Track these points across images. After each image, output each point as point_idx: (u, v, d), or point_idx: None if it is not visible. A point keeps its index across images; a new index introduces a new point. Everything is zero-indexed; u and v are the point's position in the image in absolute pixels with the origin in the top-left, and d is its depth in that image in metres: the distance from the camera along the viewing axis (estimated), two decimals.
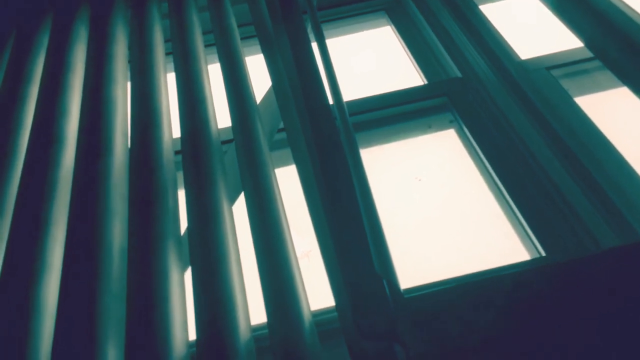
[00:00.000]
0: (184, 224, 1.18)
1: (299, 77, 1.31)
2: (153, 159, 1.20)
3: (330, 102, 1.29)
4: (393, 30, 1.90)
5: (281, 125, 1.43)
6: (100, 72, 1.39)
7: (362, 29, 1.94)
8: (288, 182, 1.38)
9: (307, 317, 0.93)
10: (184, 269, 1.09)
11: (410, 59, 1.76)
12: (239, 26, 1.81)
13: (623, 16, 1.30)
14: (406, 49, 1.79)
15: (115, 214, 1.10)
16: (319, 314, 1.12)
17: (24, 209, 1.10)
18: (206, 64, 1.45)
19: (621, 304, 0.90)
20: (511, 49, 1.55)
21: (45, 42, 1.56)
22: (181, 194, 1.24)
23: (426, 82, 1.65)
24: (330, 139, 1.18)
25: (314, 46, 1.44)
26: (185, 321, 0.99)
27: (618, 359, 0.86)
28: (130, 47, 1.52)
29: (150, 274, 1.00)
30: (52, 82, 1.37)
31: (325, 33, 1.90)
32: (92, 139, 1.23)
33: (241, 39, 1.64)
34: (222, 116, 1.45)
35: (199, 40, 1.50)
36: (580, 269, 0.94)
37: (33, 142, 1.25)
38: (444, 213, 1.30)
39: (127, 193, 1.17)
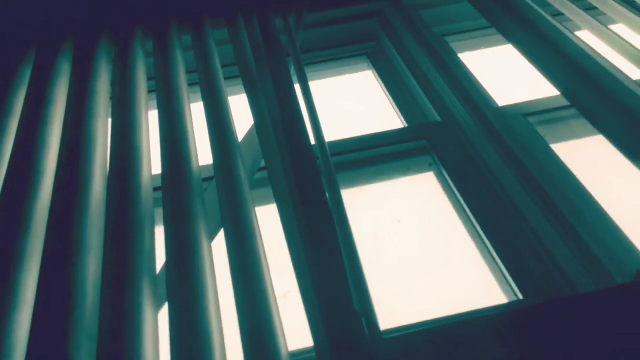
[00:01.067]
0: (162, 260, 1.16)
1: (282, 117, 1.33)
2: (131, 195, 1.19)
3: (312, 142, 1.30)
4: (374, 74, 1.93)
5: (263, 164, 1.44)
6: (81, 106, 1.39)
7: (344, 73, 1.97)
8: (268, 220, 1.37)
9: (284, 356, 0.92)
10: (159, 307, 1.07)
11: (391, 103, 1.80)
12: (223, 66, 1.83)
13: (598, 66, 1.34)
14: (387, 92, 1.83)
15: (90, 249, 1.08)
16: (296, 355, 1.11)
17: None
18: (189, 102, 1.46)
19: (598, 345, 0.90)
20: (489, 95, 1.59)
21: (27, 76, 1.56)
22: (160, 231, 1.23)
23: (406, 125, 1.68)
24: (311, 178, 1.18)
25: (297, 88, 1.46)
26: None
27: None
28: (113, 84, 1.53)
29: (123, 312, 0.98)
30: (32, 115, 1.36)
31: (308, 75, 1.93)
32: (71, 173, 1.22)
33: (225, 78, 1.66)
34: (203, 153, 1.45)
35: (182, 79, 1.51)
36: (557, 311, 0.95)
37: (11, 174, 1.23)
38: (422, 254, 1.30)
39: (104, 228, 1.15)
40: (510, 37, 1.66)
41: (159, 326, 1.01)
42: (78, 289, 1.00)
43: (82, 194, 1.17)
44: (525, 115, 1.55)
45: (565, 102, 1.54)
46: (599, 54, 1.41)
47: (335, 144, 1.56)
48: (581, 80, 1.36)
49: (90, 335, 0.96)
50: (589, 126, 1.39)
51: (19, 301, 1.00)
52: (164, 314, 1.09)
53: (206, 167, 1.49)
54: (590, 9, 1.81)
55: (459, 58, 1.74)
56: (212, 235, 1.25)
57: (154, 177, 1.33)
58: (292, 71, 1.60)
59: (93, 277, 1.05)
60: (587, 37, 1.76)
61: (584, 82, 1.35)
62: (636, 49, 1.52)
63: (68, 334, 0.94)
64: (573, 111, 1.55)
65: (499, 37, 1.90)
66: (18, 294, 1.00)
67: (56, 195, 1.19)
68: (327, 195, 1.18)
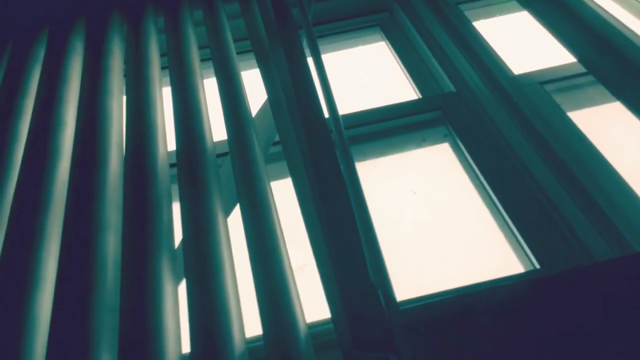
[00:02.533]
0: (179, 237, 1.17)
1: (295, 90, 1.32)
2: (148, 172, 1.20)
3: (326, 115, 1.30)
4: (387, 45, 1.91)
5: (277, 138, 1.44)
6: (96, 85, 1.40)
7: (357, 44, 1.95)
8: (284, 195, 1.38)
9: (302, 328, 0.93)
10: (178, 282, 1.09)
11: (405, 74, 1.78)
12: (235, 41, 1.83)
13: (615, 32, 1.31)
14: (401, 64, 1.81)
15: (109, 227, 1.10)
16: (314, 326, 1.12)
17: (18, 222, 1.10)
18: (202, 78, 1.45)
19: (615, 315, 0.90)
20: (504, 64, 1.57)
21: (41, 55, 1.56)
22: (176, 207, 1.24)
23: (420, 96, 1.67)
24: (326, 152, 1.18)
25: (310, 61, 1.45)
26: (179, 334, 0.98)
27: None
28: (126, 61, 1.53)
29: (144, 286, 1.00)
30: (47, 95, 1.37)
31: (321, 48, 1.91)
32: (87, 152, 1.23)
33: (237, 53, 1.65)
34: (217, 129, 1.46)
35: (195, 55, 1.50)
36: (574, 281, 0.95)
37: (28, 154, 1.24)
38: (438, 226, 1.30)
39: (122, 205, 1.17)
40: (526, 3, 1.63)
41: (178, 299, 1.03)
42: (98, 265, 1.02)
43: (99, 171, 1.18)
44: (542, 83, 1.53)
45: (582, 69, 1.51)
46: (616, 19, 1.38)
47: (349, 117, 1.55)
48: (598, 47, 1.33)
49: (112, 309, 0.98)
50: (606, 93, 1.37)
51: (40, 278, 1.02)
52: (182, 288, 1.10)
53: (220, 142, 1.50)
54: None
55: (473, 26, 1.71)
56: (228, 211, 1.26)
57: (169, 154, 1.34)
58: (305, 44, 1.59)
59: (113, 254, 1.06)
60: (604, 1, 1.72)
61: (601, 48, 1.32)
62: None
63: (90, 308, 0.95)
64: (590, 78, 1.53)
65: (514, 3, 1.87)
66: (39, 271, 1.02)
67: (74, 173, 1.20)
68: (342, 168, 1.18)
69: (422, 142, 1.52)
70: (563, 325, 0.90)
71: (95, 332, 0.93)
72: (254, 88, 1.67)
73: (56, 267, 1.06)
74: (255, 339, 1.12)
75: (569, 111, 1.43)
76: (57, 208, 1.15)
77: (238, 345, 0.92)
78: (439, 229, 1.30)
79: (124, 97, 1.44)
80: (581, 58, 1.38)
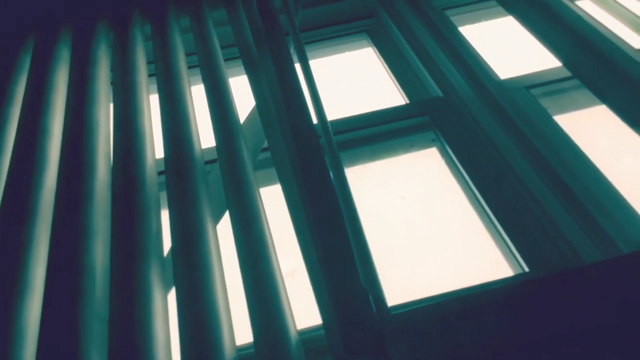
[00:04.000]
0: (168, 244, 1.17)
1: (283, 97, 1.32)
2: (136, 179, 1.19)
3: (314, 121, 1.30)
4: (374, 50, 1.92)
5: (265, 144, 1.44)
6: (82, 92, 1.39)
7: (344, 50, 1.96)
8: (273, 201, 1.38)
9: (293, 335, 0.93)
10: (167, 289, 1.08)
11: (392, 79, 1.79)
12: (222, 48, 1.83)
13: (600, 36, 1.33)
14: (388, 69, 1.81)
15: (97, 235, 1.09)
16: (305, 332, 1.12)
17: (6, 230, 1.09)
18: (189, 85, 1.45)
19: (604, 316, 0.91)
20: (491, 69, 1.58)
21: (27, 62, 1.55)
22: (165, 214, 1.24)
23: (408, 101, 1.67)
24: (314, 157, 1.18)
25: (297, 67, 1.46)
26: (168, 342, 0.98)
27: None
28: (113, 69, 1.52)
29: (133, 295, 0.99)
30: (34, 103, 1.36)
31: (308, 54, 1.92)
32: (75, 160, 1.22)
33: (225, 60, 1.65)
34: (206, 136, 1.45)
35: (182, 62, 1.50)
36: (563, 283, 0.95)
37: (15, 162, 1.23)
38: (427, 230, 1.31)
39: (110, 213, 1.16)
40: (511, 8, 1.65)
41: (168, 308, 1.02)
42: (87, 274, 1.01)
43: (87, 179, 1.17)
44: (528, 88, 1.54)
45: (567, 73, 1.53)
46: (600, 23, 1.39)
47: (338, 123, 1.55)
48: (582, 50, 1.35)
49: (101, 318, 0.97)
50: (592, 96, 1.39)
51: (28, 287, 1.01)
52: (172, 296, 1.10)
53: (209, 149, 1.49)
54: None
55: (459, 32, 1.73)
56: (217, 218, 1.26)
57: (157, 161, 1.33)
58: (292, 50, 1.59)
59: (101, 262, 1.05)
60: (588, 6, 1.74)
61: (586, 52, 1.34)
62: (637, 16, 1.50)
63: (78, 318, 0.95)
64: (575, 82, 1.54)
65: (500, 9, 1.89)
66: (27, 280, 1.01)
67: (61, 181, 1.19)
68: (331, 173, 1.18)
69: (410, 147, 1.53)
70: (553, 326, 0.90)
71: (84, 341, 0.92)
72: (242, 95, 1.67)
73: (44, 276, 1.05)
74: (246, 347, 1.12)
75: (555, 115, 1.45)
76: (45, 217, 1.14)
77: (229, 353, 0.92)
78: (428, 233, 1.30)
79: (111, 105, 1.43)
80: (566, 62, 1.40)
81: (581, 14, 1.43)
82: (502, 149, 1.40)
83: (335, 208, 1.08)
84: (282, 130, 1.27)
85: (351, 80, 1.82)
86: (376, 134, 1.56)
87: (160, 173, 1.42)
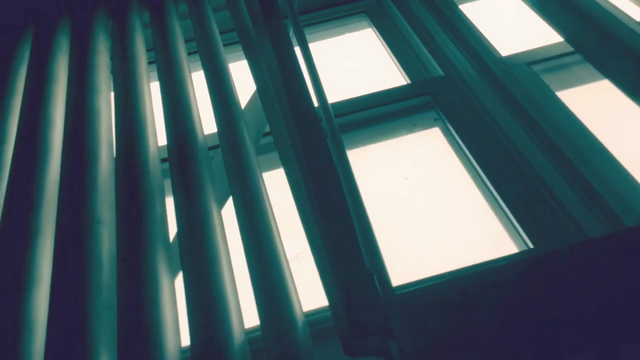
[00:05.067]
0: (173, 231, 1.17)
1: (283, 80, 1.32)
2: (139, 167, 1.19)
3: (315, 104, 1.30)
4: (374, 32, 1.91)
5: (267, 129, 1.43)
6: (83, 82, 1.39)
7: (343, 32, 1.95)
8: (276, 185, 1.38)
9: (299, 317, 0.94)
10: (174, 275, 1.09)
11: (393, 60, 1.78)
12: (221, 33, 1.82)
13: (601, 10, 1.32)
14: (388, 50, 1.80)
15: (103, 224, 1.10)
16: (311, 314, 1.13)
17: (11, 220, 1.10)
18: (190, 72, 1.45)
19: (610, 291, 0.91)
20: (492, 46, 1.57)
21: (26, 54, 1.55)
22: (169, 201, 1.24)
23: (409, 81, 1.67)
24: (316, 140, 1.18)
25: (297, 50, 1.45)
26: (177, 327, 0.99)
27: (608, 348, 0.87)
28: (113, 57, 1.52)
29: (141, 281, 1.00)
30: (35, 94, 1.36)
31: (308, 37, 1.91)
32: (78, 149, 1.22)
33: (224, 45, 1.64)
34: (207, 122, 1.45)
35: (181, 48, 1.50)
36: (568, 258, 0.95)
37: (18, 153, 1.24)
38: (432, 210, 1.31)
39: (115, 202, 1.17)
40: None
41: (175, 294, 1.03)
42: (93, 263, 1.02)
43: (91, 169, 1.18)
44: (529, 64, 1.53)
45: (569, 48, 1.52)
46: None
47: (339, 105, 1.55)
48: (584, 25, 1.33)
49: (109, 306, 0.98)
50: (594, 71, 1.38)
51: (35, 277, 1.01)
52: (179, 281, 1.10)
53: (211, 135, 1.49)
54: None
55: (459, 9, 1.71)
56: (221, 203, 1.26)
57: (160, 149, 1.33)
58: (291, 33, 1.59)
59: (108, 250, 1.06)
60: None
61: (587, 26, 1.33)
62: None
63: (87, 306, 0.96)
64: (577, 57, 1.53)
65: None
66: (34, 270, 1.02)
67: (64, 171, 1.20)
68: (333, 156, 1.18)
69: (412, 127, 1.53)
70: (561, 302, 0.90)
71: (93, 329, 0.93)
72: (243, 79, 1.67)
73: (51, 266, 1.06)
74: (253, 330, 1.13)
75: (557, 91, 1.44)
76: (50, 207, 1.15)
77: (237, 336, 0.93)
78: (432, 213, 1.30)
79: (112, 94, 1.43)
80: (568, 37, 1.39)
81: None
82: (504, 127, 1.40)
83: (339, 190, 1.08)
84: (284, 114, 1.27)
85: (351, 62, 1.81)
86: (378, 115, 1.56)
87: (163, 160, 1.43)
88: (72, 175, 1.17)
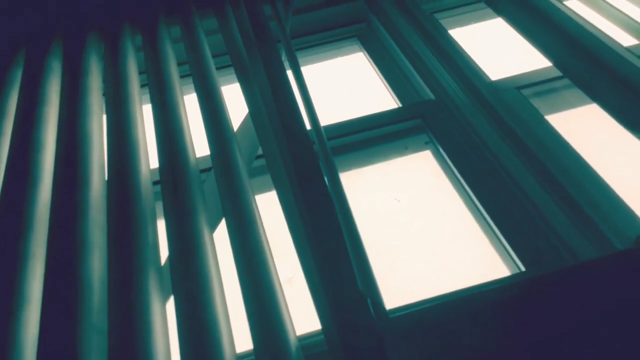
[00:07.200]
0: (165, 254, 1.17)
1: (276, 103, 1.32)
2: (131, 190, 1.19)
3: (308, 127, 1.30)
4: (365, 55, 1.93)
5: (260, 151, 1.44)
6: (75, 105, 1.39)
7: (335, 56, 1.97)
8: (269, 208, 1.38)
9: (293, 341, 0.93)
10: (165, 299, 1.08)
11: (384, 84, 1.79)
12: (213, 56, 1.83)
13: (589, 35, 1.34)
14: (379, 73, 1.82)
15: (94, 247, 1.09)
16: (304, 338, 1.12)
17: (2, 244, 1.08)
18: (182, 94, 1.45)
19: (601, 312, 0.91)
20: (482, 70, 1.59)
21: (18, 75, 1.55)
22: (161, 224, 1.24)
23: (400, 105, 1.68)
24: (309, 163, 1.19)
25: (289, 74, 1.46)
26: (169, 353, 0.97)
27: None
28: (105, 80, 1.52)
29: (131, 305, 0.99)
30: (26, 116, 1.36)
31: (300, 60, 1.92)
32: (69, 172, 1.22)
33: (217, 68, 1.65)
34: (200, 145, 1.45)
35: (174, 71, 1.50)
36: (560, 281, 0.96)
37: (9, 176, 1.23)
38: (423, 233, 1.31)
39: (106, 225, 1.16)
40: (500, 10, 1.66)
41: (167, 318, 1.02)
42: (84, 286, 1.01)
43: (82, 192, 1.17)
44: (519, 88, 1.55)
45: (557, 73, 1.54)
46: (588, 22, 1.41)
47: (331, 128, 1.56)
48: (572, 50, 1.36)
49: (100, 330, 0.97)
50: (582, 95, 1.40)
51: (26, 301, 1.00)
52: (171, 305, 1.10)
53: (203, 158, 1.49)
54: None
55: (449, 34, 1.74)
56: (213, 226, 1.26)
57: (152, 171, 1.33)
58: (284, 57, 1.60)
59: (98, 274, 1.05)
60: (576, 5, 1.76)
61: (575, 51, 1.35)
62: (625, 14, 1.52)
63: (77, 330, 0.94)
64: (566, 81, 1.56)
65: (489, 10, 1.90)
66: (25, 294, 1.01)
67: (56, 194, 1.19)
68: (326, 179, 1.18)
69: (404, 150, 1.54)
70: (553, 326, 0.91)
71: (83, 353, 0.92)
72: (235, 102, 1.67)
73: (41, 289, 1.04)
74: (247, 354, 1.12)
75: (546, 114, 1.46)
76: (41, 230, 1.14)
77: None
78: (424, 235, 1.31)
79: (104, 116, 1.43)
80: (556, 62, 1.41)
81: (570, 13, 1.44)
82: (494, 150, 1.41)
83: (331, 213, 1.08)
84: (276, 136, 1.27)
85: (343, 85, 1.83)
86: (370, 138, 1.57)
87: (155, 183, 1.42)
88: (63, 198, 1.16)
